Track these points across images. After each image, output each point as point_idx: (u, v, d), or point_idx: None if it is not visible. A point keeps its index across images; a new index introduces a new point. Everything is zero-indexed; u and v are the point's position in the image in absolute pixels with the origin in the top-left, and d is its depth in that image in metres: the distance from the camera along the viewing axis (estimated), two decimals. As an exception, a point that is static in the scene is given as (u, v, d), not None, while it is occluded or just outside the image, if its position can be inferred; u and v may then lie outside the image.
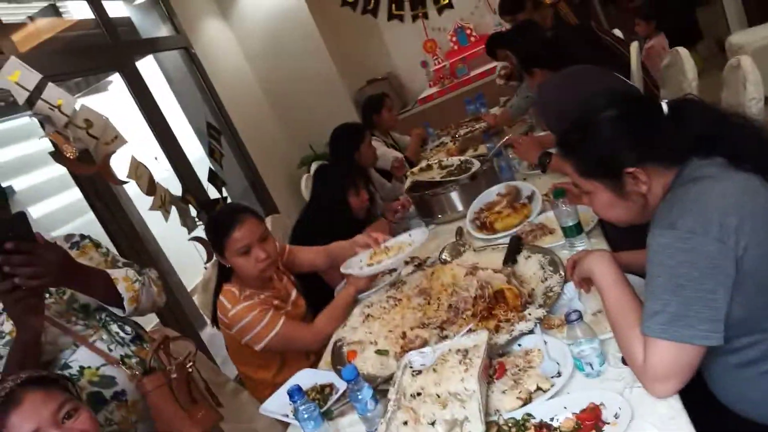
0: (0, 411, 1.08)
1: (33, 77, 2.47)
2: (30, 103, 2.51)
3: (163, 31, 4.33)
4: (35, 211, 4.75)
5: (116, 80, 5.22)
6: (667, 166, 1.14)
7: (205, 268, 3.04)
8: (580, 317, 1.19)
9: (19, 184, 4.63)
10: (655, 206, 1.15)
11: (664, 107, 1.16)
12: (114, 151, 2.86)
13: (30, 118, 4.90)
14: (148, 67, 4.18)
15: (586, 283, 1.38)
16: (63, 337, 1.42)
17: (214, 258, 2.85)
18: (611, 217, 1.25)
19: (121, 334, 1.53)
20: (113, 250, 2.06)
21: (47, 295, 1.44)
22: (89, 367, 1.44)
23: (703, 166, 1.10)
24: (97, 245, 1.64)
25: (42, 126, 2.70)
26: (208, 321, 2.49)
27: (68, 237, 1.60)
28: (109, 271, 1.51)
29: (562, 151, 1.25)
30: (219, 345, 3.84)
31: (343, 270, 1.86)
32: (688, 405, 1.04)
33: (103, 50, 3.56)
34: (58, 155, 2.63)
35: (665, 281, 1.02)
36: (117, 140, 2.87)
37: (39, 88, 2.50)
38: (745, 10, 4.94)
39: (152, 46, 4.17)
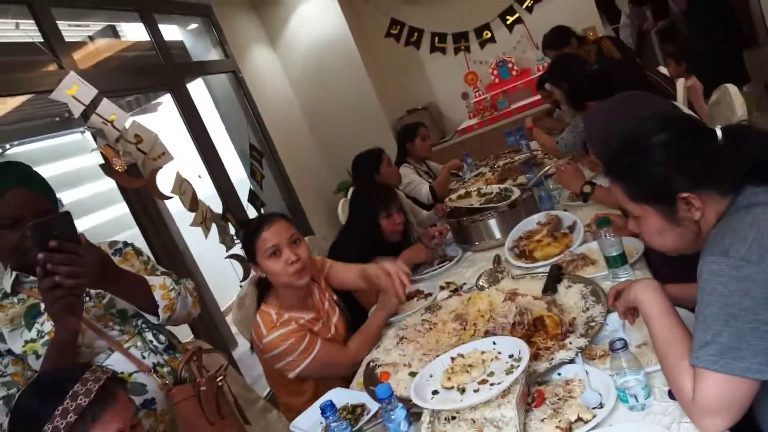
0: (97, 403, 1.08)
1: (89, 92, 2.58)
2: (85, 116, 2.62)
3: (213, 55, 4.49)
4: (81, 225, 4.91)
5: (165, 102, 5.43)
6: (722, 193, 1.10)
7: (241, 286, 3.07)
8: (626, 346, 1.15)
9: (67, 197, 4.81)
10: (707, 234, 1.11)
11: (718, 133, 1.13)
12: (161, 167, 2.95)
13: (82, 135, 5.12)
14: (197, 88, 4.33)
15: (632, 314, 1.33)
16: (99, 341, 1.44)
17: (251, 274, 2.88)
18: (661, 244, 1.21)
19: (155, 342, 1.54)
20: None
21: (87, 299, 1.47)
22: (122, 373, 1.45)
23: (759, 194, 1.06)
24: (139, 253, 1.68)
25: (95, 139, 2.80)
26: (243, 338, 2.51)
27: (112, 243, 1.64)
28: (147, 277, 1.53)
29: (612, 175, 1.23)
30: (249, 365, 3.86)
31: (412, 395, 1.32)
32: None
33: (157, 71, 3.71)
34: (107, 168, 2.72)
35: (717, 310, 0.98)
36: (164, 156, 2.96)
37: (94, 103, 2.61)
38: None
39: (203, 68, 4.32)
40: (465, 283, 2.16)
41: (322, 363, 1.84)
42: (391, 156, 3.52)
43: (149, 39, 3.71)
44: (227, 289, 4.74)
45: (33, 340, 1.37)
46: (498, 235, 2.39)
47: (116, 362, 1.46)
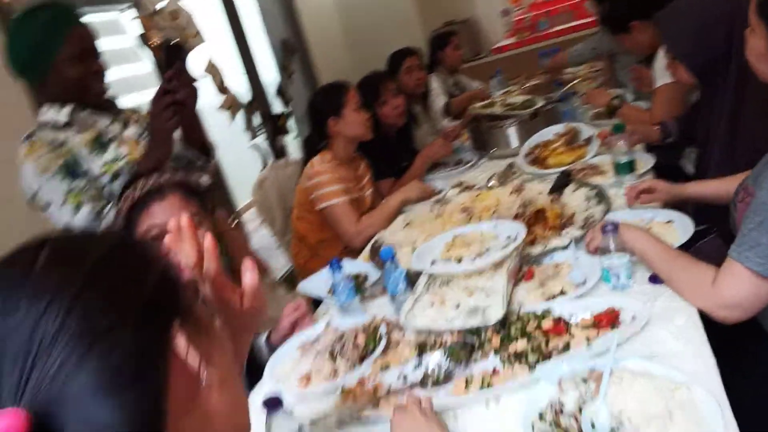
0: (144, 200, 1.23)
1: (130, -40, 2.60)
2: (124, -15, 2.64)
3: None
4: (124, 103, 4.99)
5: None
6: None
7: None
8: (616, 229, 1.22)
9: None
10: None
11: None
12: (193, 47, 2.99)
13: (120, 12, 5.11)
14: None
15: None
16: None
17: (270, 162, 2.97)
18: (758, 66, 1.21)
19: None
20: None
21: None
22: None
23: None
24: None
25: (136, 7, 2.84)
26: (260, 223, 2.65)
27: None
28: None
29: None
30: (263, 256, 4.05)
31: (413, 260, 1.46)
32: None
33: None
34: (143, 39, 2.78)
35: None
36: (197, 37, 2.99)
37: (134, -28, 2.63)
38: None
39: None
40: (476, 185, 2.22)
41: (335, 216, 2.07)
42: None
43: None
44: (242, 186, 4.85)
45: (114, 160, 1.50)
46: (516, 143, 2.43)
47: None
